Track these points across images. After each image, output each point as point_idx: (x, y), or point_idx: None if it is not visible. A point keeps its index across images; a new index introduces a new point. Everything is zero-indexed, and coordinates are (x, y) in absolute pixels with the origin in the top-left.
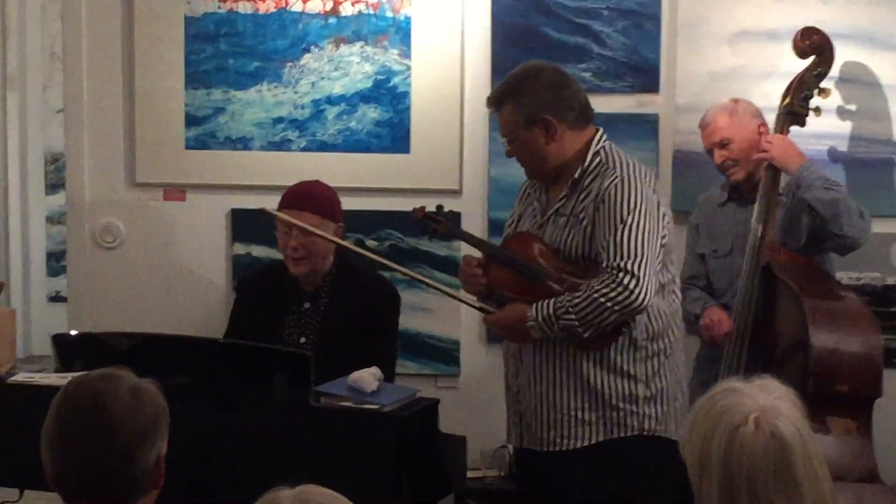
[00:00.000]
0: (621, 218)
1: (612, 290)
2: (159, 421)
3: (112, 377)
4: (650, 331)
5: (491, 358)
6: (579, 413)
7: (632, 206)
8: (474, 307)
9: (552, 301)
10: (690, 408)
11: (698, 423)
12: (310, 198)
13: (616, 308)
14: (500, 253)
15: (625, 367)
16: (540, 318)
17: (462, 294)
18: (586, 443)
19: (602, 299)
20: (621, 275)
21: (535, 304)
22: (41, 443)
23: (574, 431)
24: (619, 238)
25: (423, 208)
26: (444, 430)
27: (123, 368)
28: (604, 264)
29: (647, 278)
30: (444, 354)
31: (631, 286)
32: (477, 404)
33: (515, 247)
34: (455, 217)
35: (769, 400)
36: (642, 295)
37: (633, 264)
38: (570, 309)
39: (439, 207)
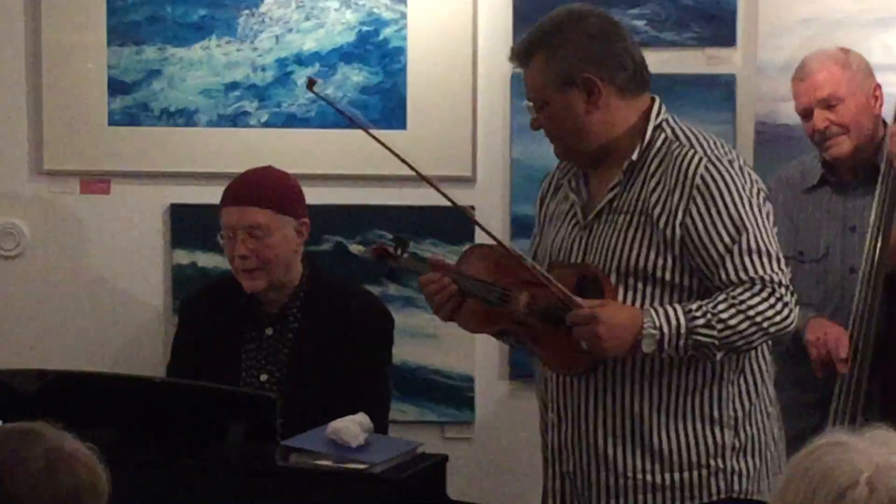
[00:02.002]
0: (739, 214)
1: (772, 307)
2: (81, 499)
3: (23, 435)
4: (739, 360)
5: (515, 399)
6: (648, 476)
7: (743, 194)
8: (567, 296)
9: (679, 308)
10: (785, 463)
11: (794, 485)
12: (258, 189)
13: (771, 330)
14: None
15: (706, 411)
16: (666, 329)
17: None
18: None
19: (759, 318)
20: (781, 289)
21: (653, 309)
22: None
23: (642, 499)
24: (752, 242)
25: (380, 245)
26: (455, 495)
27: (50, 424)
28: (738, 276)
29: (794, 291)
30: (454, 395)
31: (791, 303)
32: (497, 461)
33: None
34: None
35: (886, 456)
36: (795, 313)
37: (783, 275)
38: (714, 324)
39: (398, 240)
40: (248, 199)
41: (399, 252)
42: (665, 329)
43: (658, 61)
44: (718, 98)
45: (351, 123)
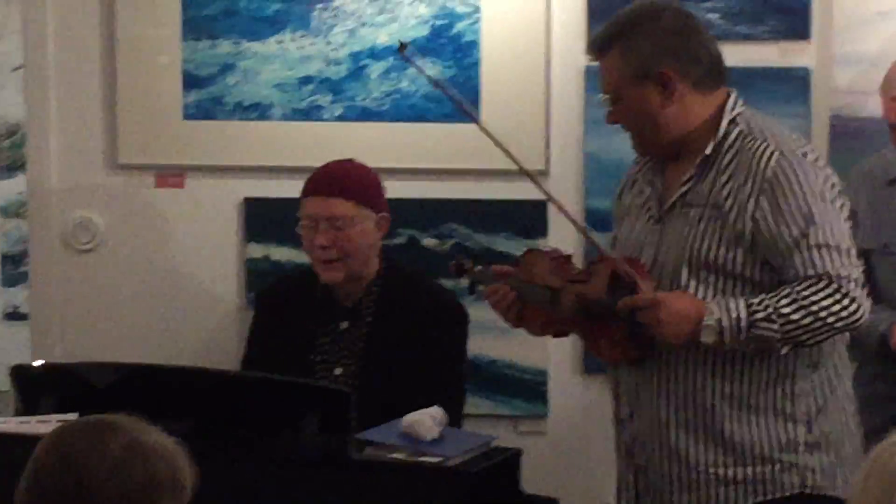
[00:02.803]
0: (808, 207)
1: (838, 303)
2: (156, 491)
3: (101, 427)
4: (813, 355)
5: (590, 393)
6: (720, 470)
7: (815, 188)
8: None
9: (741, 301)
10: (864, 457)
11: (872, 481)
12: (341, 180)
13: (837, 325)
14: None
15: (779, 405)
16: (726, 321)
17: None
18: None
19: (823, 314)
20: (849, 285)
21: (716, 301)
22: None
23: (715, 493)
24: (820, 237)
25: (456, 260)
26: (529, 489)
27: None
28: (806, 271)
29: (864, 286)
30: (527, 389)
31: (860, 298)
32: (572, 455)
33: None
34: (540, 208)
35: None
36: (865, 308)
37: (853, 270)
38: (776, 318)
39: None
40: (331, 190)
41: (472, 266)
42: (725, 321)
43: (732, 55)
44: (793, 92)
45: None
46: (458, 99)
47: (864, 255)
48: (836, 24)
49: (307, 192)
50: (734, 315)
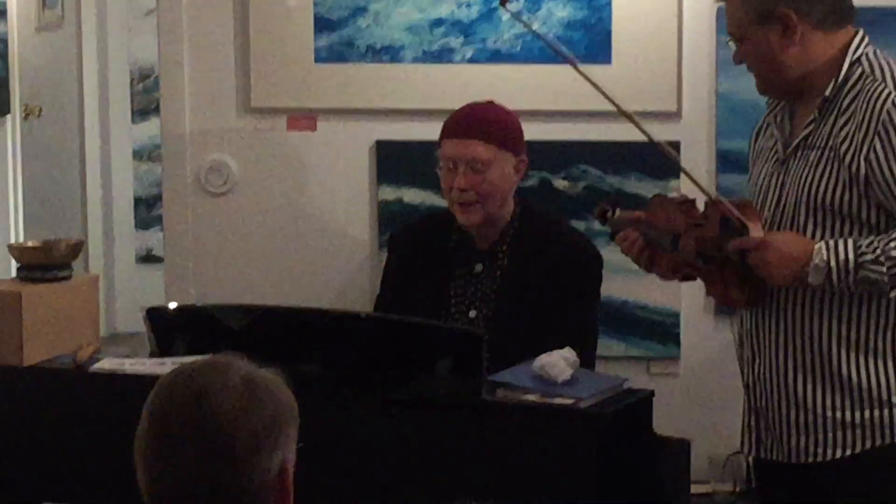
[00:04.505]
0: None
1: None
2: (282, 422)
3: (220, 366)
4: None
5: (722, 336)
6: (838, 413)
7: None
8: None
9: (850, 243)
10: None
11: None
12: (481, 123)
13: None
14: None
15: None
16: (833, 262)
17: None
18: (848, 452)
19: None
20: None
21: (825, 243)
22: (134, 451)
23: (832, 437)
24: None
25: (600, 207)
26: (661, 431)
27: (236, 354)
28: None
29: None
30: (659, 331)
31: None
32: (704, 397)
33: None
34: (673, 148)
35: None
36: None
37: None
38: (884, 260)
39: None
40: (472, 132)
41: (612, 213)
42: (833, 262)
43: None
44: None
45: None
46: (552, 43)
47: None
48: None
49: (447, 133)
50: (842, 257)
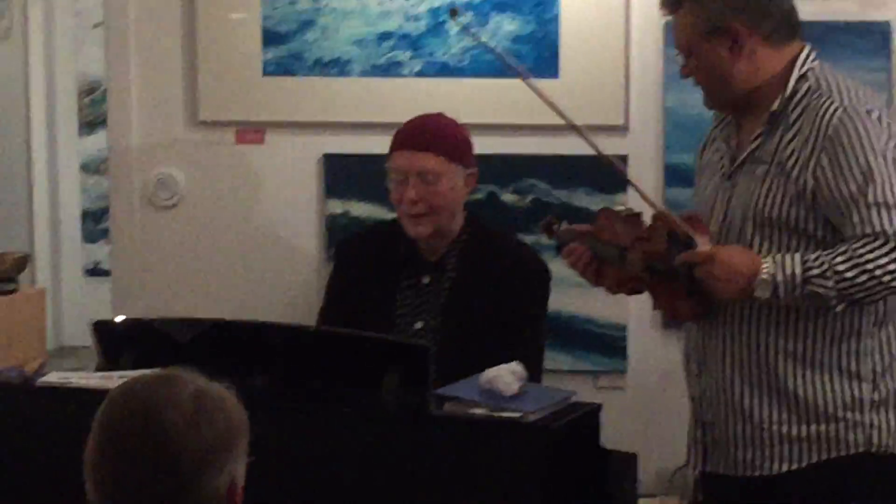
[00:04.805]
0: (868, 165)
1: (894, 262)
2: (232, 438)
3: (171, 380)
4: (878, 312)
5: (669, 348)
6: (784, 427)
7: (876, 146)
8: (689, 237)
9: (797, 257)
10: None
11: None
12: (432, 135)
13: (894, 284)
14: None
15: (844, 364)
16: (780, 276)
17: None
18: (795, 465)
19: (878, 272)
20: None
21: (772, 257)
22: (83, 465)
23: (779, 451)
24: (879, 195)
25: (547, 221)
26: (608, 444)
27: (187, 368)
28: (863, 230)
29: None
30: (607, 345)
31: None
32: (650, 411)
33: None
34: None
35: None
36: None
37: None
38: (830, 275)
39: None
40: (422, 144)
41: (558, 226)
42: (780, 277)
43: (811, 8)
44: (873, 46)
45: (486, 50)
46: (503, 56)
47: None
48: None
49: (397, 145)
50: (789, 271)
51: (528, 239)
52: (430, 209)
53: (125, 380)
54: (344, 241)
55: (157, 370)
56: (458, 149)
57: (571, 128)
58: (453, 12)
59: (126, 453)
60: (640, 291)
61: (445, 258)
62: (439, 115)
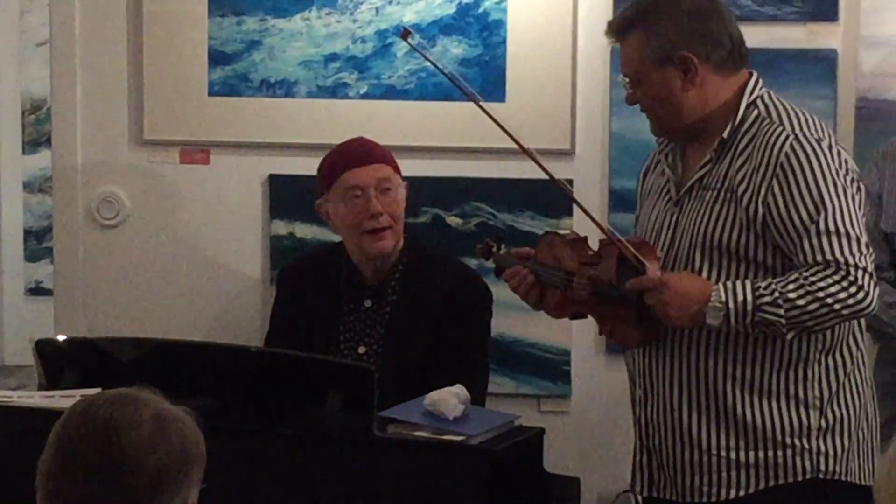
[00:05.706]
0: (819, 193)
1: (844, 290)
2: (190, 462)
3: (131, 400)
4: (826, 340)
5: (612, 373)
6: (732, 453)
7: (827, 174)
8: (640, 262)
9: (748, 284)
10: (887, 444)
11: None
12: (374, 148)
13: (844, 312)
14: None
15: (791, 390)
16: (731, 304)
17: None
18: (743, 492)
19: (830, 300)
20: (857, 273)
21: (723, 284)
22: (35, 482)
23: (726, 477)
24: (830, 223)
25: (486, 243)
26: (551, 469)
27: (147, 389)
28: (815, 258)
29: (874, 275)
30: (550, 369)
31: (867, 287)
32: (594, 435)
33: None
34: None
35: None
36: (874, 296)
37: (862, 258)
38: (782, 303)
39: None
40: (370, 158)
41: (497, 249)
42: (731, 303)
43: (759, 36)
44: (819, 74)
45: (440, 74)
46: (455, 79)
47: (887, 238)
48: (864, 6)
49: (342, 167)
50: (740, 298)
51: (473, 263)
52: (393, 220)
53: (72, 398)
54: (285, 268)
55: (118, 389)
56: (395, 161)
57: (522, 151)
58: (405, 33)
59: (83, 470)
60: (583, 316)
61: (386, 282)
62: (362, 137)
